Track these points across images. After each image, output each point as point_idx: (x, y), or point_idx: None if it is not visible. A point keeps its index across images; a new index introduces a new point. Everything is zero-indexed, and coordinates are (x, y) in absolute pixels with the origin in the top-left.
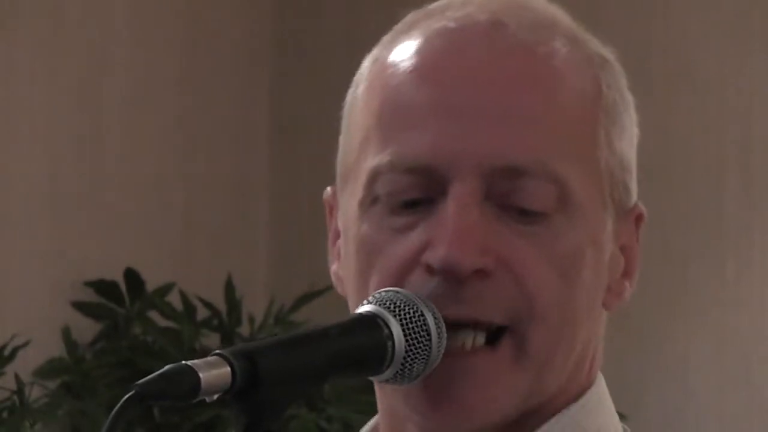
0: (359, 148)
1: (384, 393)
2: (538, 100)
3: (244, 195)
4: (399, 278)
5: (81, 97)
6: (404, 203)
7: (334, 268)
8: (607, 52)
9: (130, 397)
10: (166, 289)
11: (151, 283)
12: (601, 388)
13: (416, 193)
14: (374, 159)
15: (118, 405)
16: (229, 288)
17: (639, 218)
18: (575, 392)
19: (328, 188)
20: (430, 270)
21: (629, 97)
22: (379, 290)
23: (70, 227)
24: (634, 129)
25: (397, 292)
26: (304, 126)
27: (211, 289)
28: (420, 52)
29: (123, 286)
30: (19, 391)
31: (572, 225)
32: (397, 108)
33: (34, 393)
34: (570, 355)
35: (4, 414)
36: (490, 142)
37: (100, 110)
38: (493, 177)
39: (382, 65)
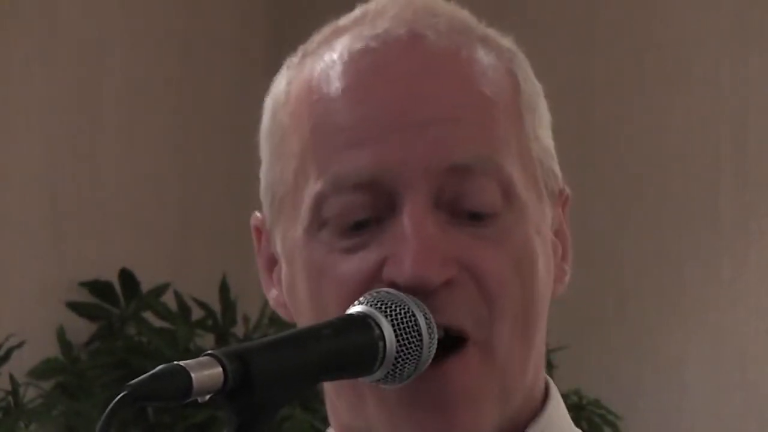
0: (294, 176)
1: (338, 411)
2: (470, 101)
3: (239, 195)
4: (359, 295)
5: (77, 96)
6: (354, 225)
7: (273, 294)
8: (510, 42)
9: (122, 397)
10: (160, 289)
11: (146, 284)
12: (557, 396)
13: (365, 213)
14: (316, 184)
15: (110, 406)
16: (224, 288)
17: (566, 201)
18: (538, 395)
19: (256, 214)
20: (393, 286)
21: (539, 85)
22: (371, 291)
23: (66, 228)
24: (548, 115)
25: (388, 292)
26: None
27: (205, 290)
28: (346, 74)
29: (118, 287)
30: (14, 391)
31: (519, 220)
32: (332, 131)
33: (29, 393)
34: (531, 352)
35: None
36: (433, 145)
37: (96, 110)
38: (441, 181)
39: (302, 89)
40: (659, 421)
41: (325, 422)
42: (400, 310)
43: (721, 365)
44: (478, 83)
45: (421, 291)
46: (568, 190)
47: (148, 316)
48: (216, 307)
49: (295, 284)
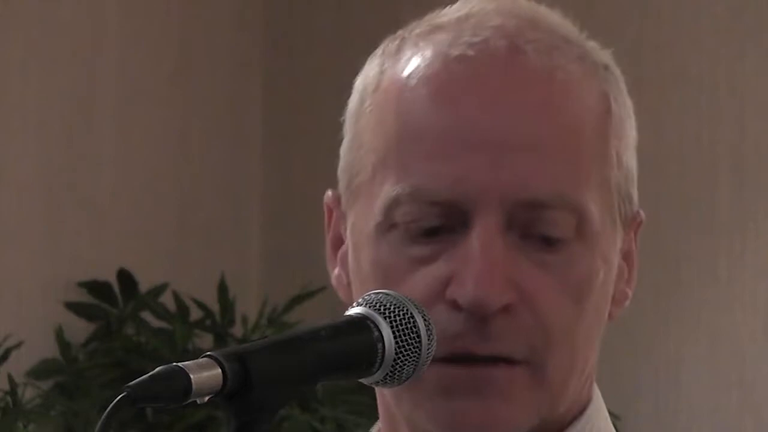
0: (373, 170)
1: (385, 399)
2: (559, 130)
3: (237, 195)
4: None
5: (74, 97)
6: (425, 231)
7: (335, 273)
8: (608, 57)
9: (121, 399)
10: (159, 289)
11: (145, 284)
12: (599, 399)
13: (437, 221)
14: (394, 187)
15: (109, 407)
16: (222, 289)
17: (639, 225)
18: (579, 405)
19: (329, 192)
20: (455, 305)
21: (629, 102)
22: (369, 292)
23: (63, 228)
24: (635, 134)
25: (387, 294)
26: (296, 127)
27: (204, 290)
28: (439, 79)
29: (116, 287)
30: (12, 391)
31: (588, 251)
32: (416, 136)
33: (28, 394)
34: (582, 375)
35: None
36: (513, 175)
37: (92, 111)
38: (516, 209)
39: (393, 82)
40: (657, 421)
41: (324, 422)
42: (398, 311)
43: (718, 365)
44: (569, 110)
45: (480, 313)
46: (642, 215)
47: (147, 316)
48: (214, 307)
49: (360, 275)
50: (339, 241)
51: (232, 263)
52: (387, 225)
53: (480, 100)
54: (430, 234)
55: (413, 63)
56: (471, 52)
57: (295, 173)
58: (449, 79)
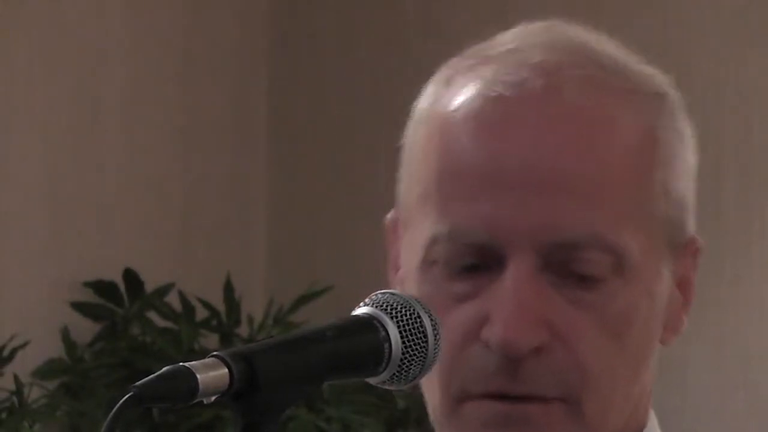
0: (418, 202)
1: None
2: (593, 170)
3: (243, 195)
4: (461, 349)
5: (79, 97)
6: (462, 269)
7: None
8: (663, 83)
9: (127, 398)
10: (165, 289)
11: (150, 284)
12: (653, 426)
13: (473, 260)
14: (433, 226)
15: (116, 407)
16: (228, 288)
17: (696, 250)
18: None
19: (389, 215)
20: (488, 346)
21: (686, 128)
22: (376, 293)
23: (69, 227)
24: (692, 158)
25: (393, 294)
26: (302, 126)
27: (210, 290)
28: (478, 118)
29: (122, 287)
30: (18, 391)
31: (627, 286)
32: (455, 175)
33: (33, 393)
34: (626, 407)
35: (4, 415)
36: (546, 216)
37: (98, 110)
38: (550, 250)
39: (440, 115)
40: (662, 421)
41: (330, 422)
42: (405, 311)
43: (723, 365)
44: (605, 148)
45: (510, 356)
46: (699, 241)
47: (152, 316)
48: (220, 307)
49: None
50: (398, 264)
51: (237, 263)
52: (429, 261)
53: (514, 140)
54: (469, 271)
55: (458, 98)
56: (508, 93)
57: (300, 173)
58: (488, 118)
